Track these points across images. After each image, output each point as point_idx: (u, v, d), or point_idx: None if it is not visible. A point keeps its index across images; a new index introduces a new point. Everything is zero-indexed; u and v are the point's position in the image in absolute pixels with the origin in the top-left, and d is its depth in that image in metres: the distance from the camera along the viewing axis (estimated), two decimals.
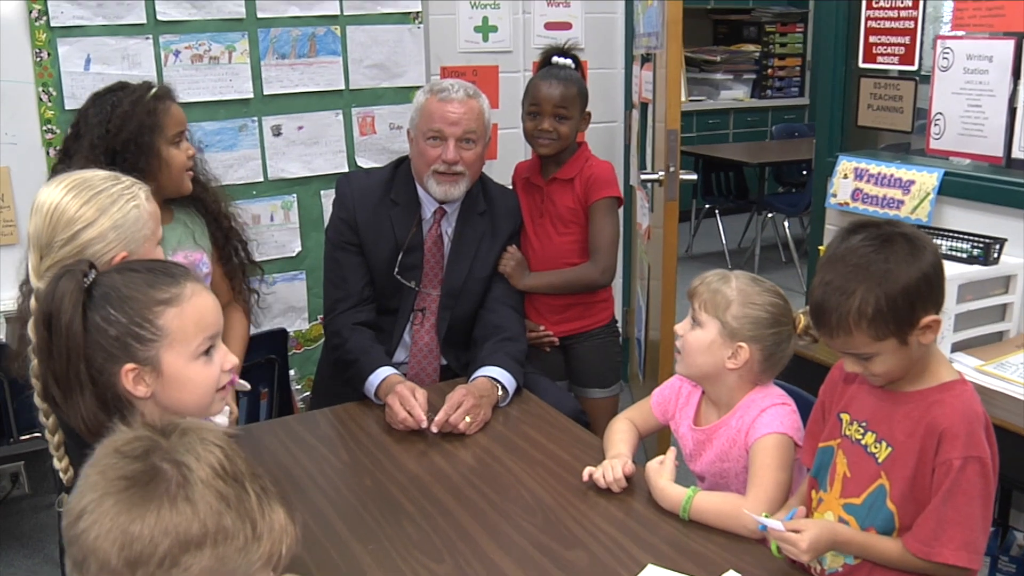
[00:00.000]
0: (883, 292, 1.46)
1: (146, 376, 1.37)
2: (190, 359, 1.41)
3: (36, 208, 1.66)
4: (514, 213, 2.73)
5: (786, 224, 6.56)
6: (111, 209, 1.67)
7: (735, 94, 8.21)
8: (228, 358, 1.47)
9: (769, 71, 8.29)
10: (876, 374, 1.54)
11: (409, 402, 2.17)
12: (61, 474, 1.59)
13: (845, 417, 1.65)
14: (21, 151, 3.08)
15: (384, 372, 2.34)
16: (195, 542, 0.94)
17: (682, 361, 1.91)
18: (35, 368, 1.43)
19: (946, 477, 1.46)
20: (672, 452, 1.84)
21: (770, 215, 6.63)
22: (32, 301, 1.40)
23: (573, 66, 2.84)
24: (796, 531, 1.51)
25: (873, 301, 1.46)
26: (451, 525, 1.76)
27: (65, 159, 2.32)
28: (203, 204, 2.44)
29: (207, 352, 1.43)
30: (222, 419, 1.73)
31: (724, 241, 6.74)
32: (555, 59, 2.84)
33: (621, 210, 3.97)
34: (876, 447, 1.56)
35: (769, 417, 1.81)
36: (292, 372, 3.69)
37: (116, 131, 2.23)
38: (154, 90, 2.30)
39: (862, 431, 1.60)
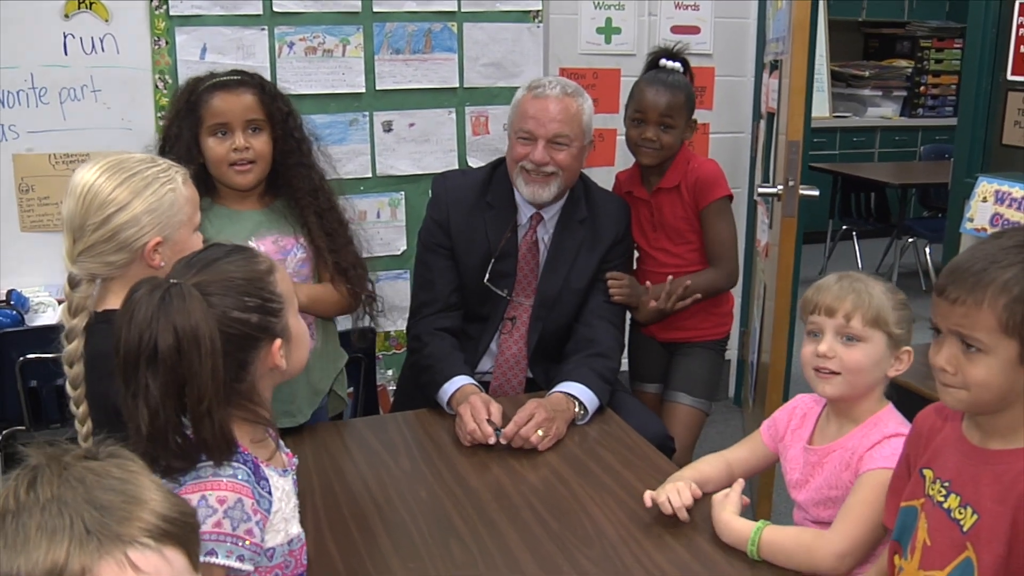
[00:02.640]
0: None
1: (284, 347, 1.37)
2: (297, 315, 1.43)
3: (70, 190, 1.61)
4: (617, 219, 2.56)
5: (927, 250, 6.17)
6: (145, 192, 1.60)
7: (883, 111, 7.81)
8: None
9: (922, 88, 7.84)
10: (969, 380, 1.28)
11: (481, 415, 2.06)
12: None
13: (928, 474, 1.42)
14: (135, 136, 3.12)
15: (460, 381, 2.24)
16: None
17: (842, 382, 1.66)
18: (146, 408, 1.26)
19: None
20: (740, 484, 1.68)
21: (911, 240, 6.25)
22: (127, 337, 1.25)
23: (682, 70, 2.68)
24: None
25: None
26: (500, 550, 1.64)
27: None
28: (295, 194, 2.34)
29: None
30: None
31: (861, 265, 6.39)
32: (663, 62, 2.68)
33: (744, 225, 3.81)
34: (961, 513, 1.33)
35: (890, 449, 1.60)
36: (390, 372, 3.65)
37: (169, 119, 2.22)
38: (213, 80, 2.19)
39: (945, 492, 1.37)
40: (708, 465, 1.85)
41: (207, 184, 2.21)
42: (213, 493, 1.27)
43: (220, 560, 1.25)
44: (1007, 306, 1.22)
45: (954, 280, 1.27)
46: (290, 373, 1.43)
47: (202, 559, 1.20)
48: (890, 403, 1.70)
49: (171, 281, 1.28)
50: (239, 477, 1.29)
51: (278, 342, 1.35)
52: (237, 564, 1.26)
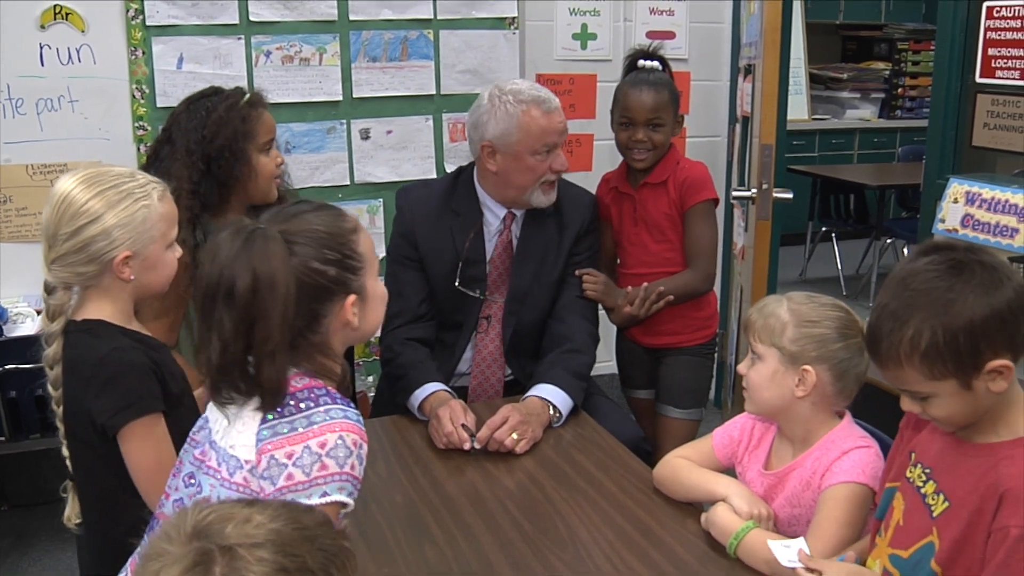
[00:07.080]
0: (941, 325, 1.27)
1: (357, 305, 1.40)
2: (376, 277, 1.46)
3: (49, 198, 1.63)
4: (583, 208, 2.58)
5: (906, 251, 6.21)
6: (118, 206, 1.61)
7: (862, 113, 7.86)
8: None
9: (900, 90, 7.90)
10: (935, 417, 1.36)
11: (459, 419, 2.09)
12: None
13: (913, 456, 1.47)
14: (112, 146, 3.14)
15: (432, 387, 2.26)
16: None
17: (749, 399, 1.75)
18: (214, 346, 1.34)
19: (1000, 546, 1.26)
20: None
21: (890, 241, 6.29)
22: (209, 273, 1.33)
23: (660, 68, 2.66)
24: (816, 571, 1.42)
25: (928, 334, 1.28)
26: (475, 553, 1.66)
27: (155, 162, 2.30)
28: None
29: None
30: None
31: (840, 266, 6.43)
32: (641, 63, 2.66)
33: (721, 227, 3.83)
34: (934, 499, 1.38)
35: (849, 463, 1.62)
36: (370, 379, 3.66)
37: (211, 137, 2.24)
38: (247, 96, 2.32)
39: (924, 478, 1.42)
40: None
41: (207, 200, 2.26)
42: (349, 435, 1.34)
43: (343, 498, 1.34)
44: (923, 361, 1.30)
45: (872, 352, 1.39)
46: (363, 333, 1.47)
47: (333, 497, 1.32)
48: (846, 418, 1.71)
49: (256, 225, 1.35)
50: (356, 418, 1.37)
51: (352, 298, 1.39)
52: (350, 500, 1.36)
